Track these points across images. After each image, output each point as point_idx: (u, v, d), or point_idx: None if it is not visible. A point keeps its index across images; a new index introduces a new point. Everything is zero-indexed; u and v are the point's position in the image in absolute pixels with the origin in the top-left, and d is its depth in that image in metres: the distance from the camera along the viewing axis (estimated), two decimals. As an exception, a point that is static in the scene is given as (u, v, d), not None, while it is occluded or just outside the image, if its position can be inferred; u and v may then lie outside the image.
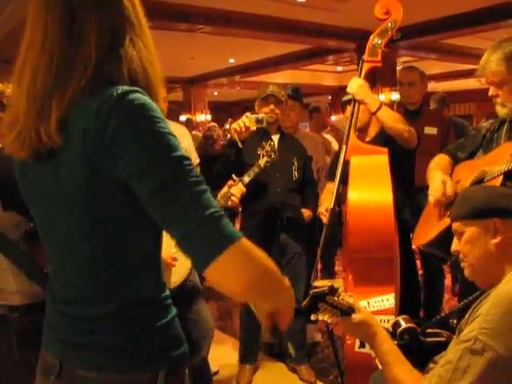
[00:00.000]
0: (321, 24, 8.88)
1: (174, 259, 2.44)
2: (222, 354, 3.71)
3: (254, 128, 2.86)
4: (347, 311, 1.64)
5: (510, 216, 1.51)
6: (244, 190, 2.66)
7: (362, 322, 1.64)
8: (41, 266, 1.73)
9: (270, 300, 1.10)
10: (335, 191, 2.69)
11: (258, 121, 2.85)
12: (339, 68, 13.93)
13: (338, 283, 2.70)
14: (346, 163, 2.70)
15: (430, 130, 3.94)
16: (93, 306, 1.11)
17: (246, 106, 22.96)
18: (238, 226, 5.60)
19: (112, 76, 1.05)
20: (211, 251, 0.99)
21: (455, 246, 1.63)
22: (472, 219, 1.56)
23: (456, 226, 1.62)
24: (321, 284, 2.82)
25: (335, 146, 4.91)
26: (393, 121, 2.82)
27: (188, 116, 14.37)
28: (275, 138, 3.34)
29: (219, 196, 2.67)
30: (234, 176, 2.73)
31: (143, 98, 1.04)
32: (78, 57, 1.05)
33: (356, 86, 2.76)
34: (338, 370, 3.06)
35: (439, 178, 2.32)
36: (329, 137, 5.08)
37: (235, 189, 2.62)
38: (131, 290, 1.12)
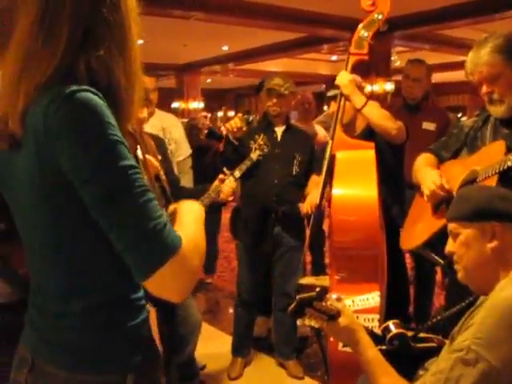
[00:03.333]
0: (316, 12, 8.80)
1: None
2: (210, 348, 3.66)
3: (244, 128, 2.96)
4: (334, 316, 1.59)
5: (509, 220, 1.46)
6: (235, 185, 2.65)
7: (346, 328, 1.59)
8: (15, 267, 1.68)
9: None
10: (321, 186, 2.65)
11: (248, 122, 2.98)
12: (333, 57, 13.85)
13: (324, 281, 2.66)
14: (332, 158, 2.66)
15: (429, 126, 3.84)
16: (63, 303, 1.11)
17: (238, 94, 22.95)
18: (227, 215, 5.53)
19: (73, 74, 1.03)
20: (151, 265, 0.99)
21: (450, 247, 1.58)
22: (469, 221, 1.50)
23: (452, 226, 1.57)
24: (306, 281, 2.78)
25: (322, 137, 4.78)
26: (379, 118, 2.78)
27: (180, 103, 14.32)
28: (280, 130, 3.32)
29: (210, 189, 2.63)
30: (225, 169, 2.71)
31: (94, 99, 1.00)
32: (46, 50, 1.03)
33: (345, 80, 2.72)
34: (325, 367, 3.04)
35: (433, 172, 2.23)
36: (319, 128, 4.95)
37: (227, 184, 2.60)
38: (100, 289, 1.11)
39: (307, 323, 1.64)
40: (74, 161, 0.98)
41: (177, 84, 14.93)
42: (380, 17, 2.66)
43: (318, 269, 4.54)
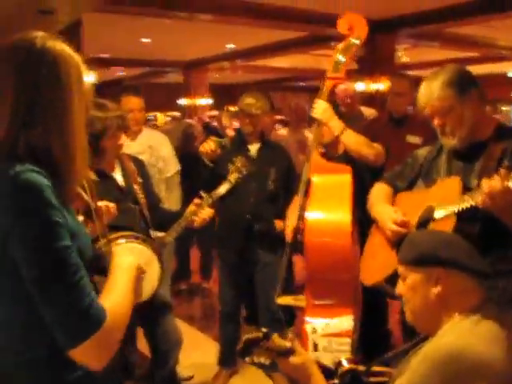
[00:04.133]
0: (320, 12, 8.75)
1: (142, 272, 2.46)
2: (200, 357, 3.75)
3: (218, 151, 3.03)
4: (284, 353, 1.64)
5: (453, 266, 1.51)
6: (210, 214, 2.69)
7: (298, 366, 1.64)
8: None
9: None
10: (299, 210, 2.68)
11: (222, 145, 3.05)
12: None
13: (301, 301, 2.69)
14: (309, 181, 2.68)
15: (413, 139, 3.79)
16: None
17: (244, 91, 22.78)
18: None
19: (15, 151, 1.10)
20: (75, 339, 1.09)
21: (399, 289, 1.63)
22: (416, 266, 1.55)
23: (401, 269, 1.62)
24: (283, 301, 2.81)
25: None
26: (357, 144, 2.82)
27: (187, 100, 14.33)
28: (254, 147, 3.32)
29: (186, 212, 2.65)
30: (201, 193, 2.72)
31: (36, 180, 1.08)
32: None
33: (320, 110, 2.72)
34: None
35: (391, 209, 2.22)
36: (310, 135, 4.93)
37: (203, 213, 2.65)
38: (35, 347, 1.17)
39: (256, 360, 1.68)
40: (13, 239, 1.06)
41: (184, 80, 14.96)
42: (357, 42, 2.65)
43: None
